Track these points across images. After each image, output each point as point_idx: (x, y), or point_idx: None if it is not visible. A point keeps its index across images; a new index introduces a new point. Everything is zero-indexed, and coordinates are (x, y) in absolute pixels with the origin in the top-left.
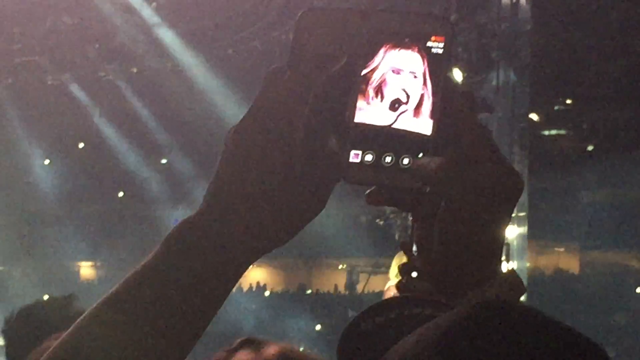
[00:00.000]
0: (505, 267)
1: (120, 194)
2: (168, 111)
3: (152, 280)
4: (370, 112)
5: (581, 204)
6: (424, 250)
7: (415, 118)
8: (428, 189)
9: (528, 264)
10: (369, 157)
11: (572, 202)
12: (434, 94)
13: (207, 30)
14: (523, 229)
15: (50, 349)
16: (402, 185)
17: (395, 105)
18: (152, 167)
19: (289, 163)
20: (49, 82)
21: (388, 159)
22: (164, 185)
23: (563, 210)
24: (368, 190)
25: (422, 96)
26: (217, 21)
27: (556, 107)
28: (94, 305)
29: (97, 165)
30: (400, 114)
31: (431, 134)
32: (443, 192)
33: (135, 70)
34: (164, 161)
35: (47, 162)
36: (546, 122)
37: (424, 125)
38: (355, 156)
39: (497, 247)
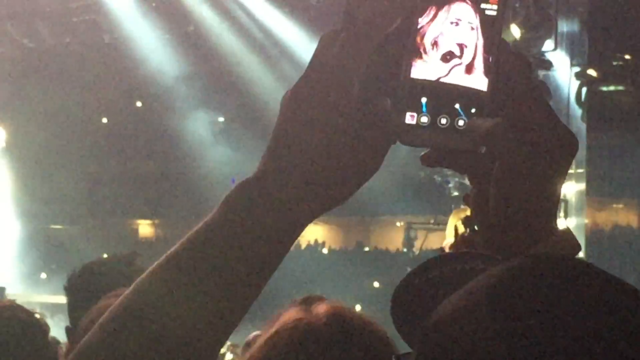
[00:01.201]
0: (562, 224)
1: (178, 154)
2: (228, 72)
3: (213, 240)
4: (425, 67)
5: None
6: (481, 210)
7: (469, 75)
8: (483, 150)
9: (586, 220)
10: (424, 119)
11: (631, 158)
12: (488, 53)
13: None
14: (581, 186)
15: (112, 306)
16: (457, 147)
17: (448, 57)
18: (210, 127)
19: (344, 124)
20: (106, 41)
21: (443, 121)
22: (222, 145)
23: (622, 166)
24: (423, 152)
25: (476, 52)
26: None
27: (615, 63)
28: (155, 264)
29: (155, 124)
30: (454, 66)
31: (486, 92)
32: (498, 153)
33: (191, 28)
34: (221, 119)
35: (105, 120)
36: (604, 78)
37: (478, 82)
38: (410, 117)
39: (552, 206)
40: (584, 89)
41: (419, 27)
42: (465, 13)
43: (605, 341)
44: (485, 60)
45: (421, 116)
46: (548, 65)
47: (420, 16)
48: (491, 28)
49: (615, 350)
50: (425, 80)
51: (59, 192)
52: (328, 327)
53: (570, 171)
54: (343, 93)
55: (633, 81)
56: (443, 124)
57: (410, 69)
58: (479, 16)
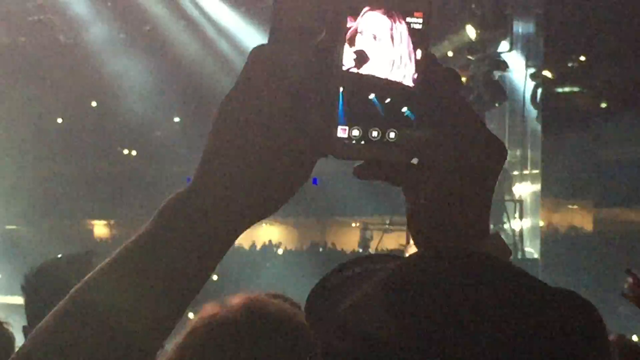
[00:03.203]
0: (517, 225)
1: (134, 153)
2: (181, 68)
3: (148, 249)
4: (354, 78)
5: (595, 161)
6: (415, 220)
7: (398, 87)
8: (416, 162)
9: (541, 222)
10: (355, 132)
11: (586, 159)
12: (416, 64)
13: None
14: (536, 187)
15: (62, 300)
16: (389, 159)
17: (376, 68)
18: (165, 126)
19: (272, 138)
20: (62, 41)
21: (375, 133)
22: (177, 144)
23: (577, 167)
24: (356, 164)
25: (404, 63)
26: None
27: (570, 64)
28: (101, 264)
29: (110, 124)
30: (384, 80)
31: (414, 89)
32: (429, 163)
33: (148, 28)
34: (177, 119)
35: (59, 120)
36: (560, 79)
37: (407, 82)
38: (342, 131)
39: (483, 213)
40: (540, 90)
41: (346, 37)
42: (389, 26)
43: (489, 326)
44: (415, 74)
45: (353, 129)
46: (504, 66)
47: (346, 29)
48: (419, 41)
49: (501, 337)
50: (356, 91)
51: (13, 192)
52: (243, 320)
53: (525, 172)
54: (271, 106)
55: (588, 83)
56: (375, 137)
57: (339, 80)
58: (407, 30)
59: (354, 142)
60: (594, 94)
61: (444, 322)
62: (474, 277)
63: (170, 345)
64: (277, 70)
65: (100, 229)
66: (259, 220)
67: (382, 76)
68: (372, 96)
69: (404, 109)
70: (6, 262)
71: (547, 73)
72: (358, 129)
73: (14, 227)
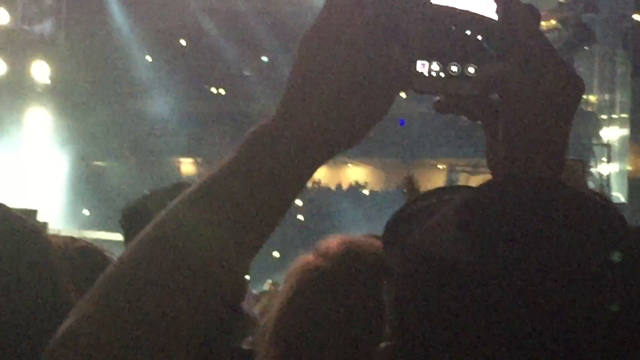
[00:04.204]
0: (605, 170)
1: (222, 92)
2: (271, 7)
3: (232, 177)
4: (435, 11)
5: None
6: (494, 154)
7: (479, 20)
8: (495, 96)
9: (629, 166)
10: (435, 67)
11: None
12: (497, 1)
13: None
14: (625, 131)
15: (143, 231)
16: (468, 93)
17: (461, 1)
18: (253, 65)
19: (351, 71)
20: None
21: (454, 68)
22: (264, 84)
23: None
24: (436, 99)
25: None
26: None
27: None
28: (182, 195)
29: (198, 63)
30: (466, 12)
31: (497, 23)
32: (508, 98)
33: None
34: (265, 59)
35: (149, 59)
36: None
37: (488, 29)
38: (422, 66)
39: (561, 146)
40: (630, 34)
41: None
42: None
43: (560, 250)
44: (496, 5)
45: (432, 64)
46: (594, 8)
47: None
48: None
49: (571, 262)
50: (436, 22)
51: (101, 129)
52: (344, 269)
53: (614, 116)
54: (350, 40)
55: None
56: (454, 72)
57: (419, 13)
58: None
59: (433, 76)
60: None
61: (516, 245)
62: (545, 200)
63: (267, 299)
64: (357, 2)
65: (187, 166)
66: (339, 152)
67: (464, 8)
68: (451, 29)
69: (485, 44)
70: (94, 198)
71: (637, 16)
72: (438, 64)
73: (101, 163)
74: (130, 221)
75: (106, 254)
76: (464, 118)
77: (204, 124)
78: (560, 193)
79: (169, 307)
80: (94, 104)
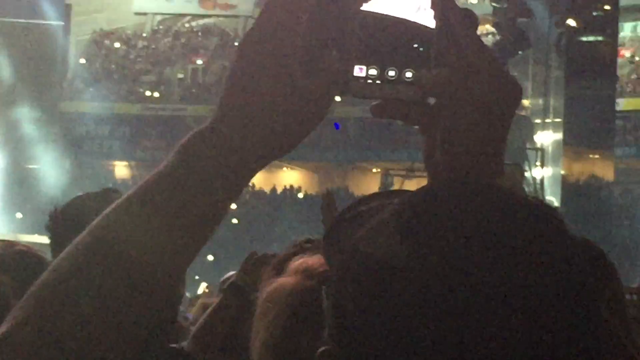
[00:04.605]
0: (539, 173)
1: (156, 94)
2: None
3: (168, 183)
4: (372, 17)
5: (618, 110)
6: (431, 159)
7: (415, 27)
8: (432, 101)
9: (563, 171)
10: (373, 71)
11: (609, 108)
12: (433, 5)
13: None
14: (558, 135)
15: (80, 235)
16: (406, 98)
17: (397, 8)
18: (187, 69)
19: (288, 77)
20: None
21: (392, 73)
22: (198, 87)
23: (599, 116)
24: (373, 103)
25: (422, 5)
26: None
27: (595, 13)
28: (120, 199)
29: (133, 66)
30: (402, 19)
31: (432, 46)
32: (446, 102)
33: None
34: (199, 62)
35: (82, 61)
36: (584, 28)
37: (425, 35)
38: (359, 70)
39: (499, 151)
40: (563, 38)
41: None
42: None
43: (497, 254)
44: (433, 11)
45: (370, 68)
46: (528, 13)
47: None
48: None
49: (507, 266)
50: (373, 28)
51: (34, 133)
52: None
53: (547, 120)
54: (287, 45)
55: (612, 32)
56: (391, 76)
57: (357, 19)
58: None
59: (370, 81)
60: (617, 44)
61: (453, 247)
62: (483, 204)
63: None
64: (295, 8)
65: (121, 169)
66: (276, 158)
67: (400, 15)
68: (389, 35)
69: (421, 49)
70: (26, 202)
71: (571, 21)
72: (375, 68)
73: (34, 166)
74: (57, 225)
75: (45, 258)
76: (400, 122)
77: (138, 127)
78: (498, 197)
79: (106, 312)
80: (27, 106)
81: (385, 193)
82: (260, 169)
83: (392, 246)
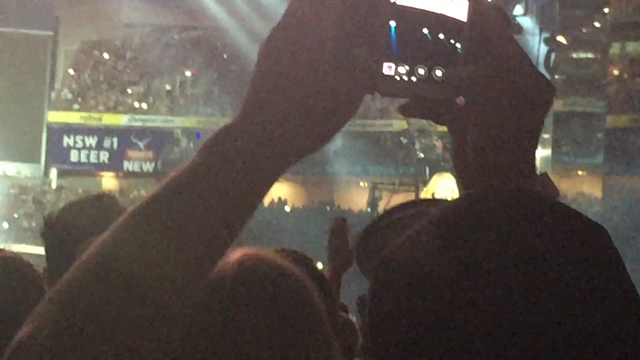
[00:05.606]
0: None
1: (144, 106)
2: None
3: (194, 184)
4: (404, 13)
5: (606, 128)
6: (461, 159)
7: (448, 23)
8: (461, 100)
9: None
10: (402, 69)
11: (598, 125)
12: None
13: None
14: (547, 151)
15: (88, 250)
16: (435, 96)
17: (430, 3)
18: (176, 80)
19: (317, 73)
20: None
21: (421, 71)
22: (187, 98)
23: (588, 133)
24: (402, 102)
25: (454, 0)
26: None
27: (584, 30)
28: (132, 208)
29: (121, 76)
30: (435, 14)
31: (464, 43)
32: (477, 101)
33: None
34: (188, 74)
35: (71, 71)
36: (574, 45)
37: (458, 15)
38: (388, 68)
39: (531, 152)
40: (553, 55)
41: None
42: None
43: (539, 263)
44: (464, 8)
45: (399, 66)
46: (518, 29)
47: None
48: None
49: (550, 274)
50: (405, 24)
51: (21, 143)
52: (235, 280)
53: (544, 121)
54: (316, 41)
55: (602, 49)
56: (421, 74)
57: (389, 15)
58: None
59: (400, 78)
60: (607, 61)
61: (494, 257)
62: (525, 213)
63: None
64: (323, 3)
65: (108, 180)
66: (306, 155)
67: (434, 6)
68: (419, 31)
69: (454, 44)
70: (12, 212)
71: (561, 38)
72: (405, 66)
73: (21, 176)
74: (52, 231)
75: (33, 266)
76: (384, 137)
77: (125, 138)
78: (544, 207)
79: (120, 329)
80: (16, 116)
81: (417, 202)
82: (287, 168)
83: (432, 255)
